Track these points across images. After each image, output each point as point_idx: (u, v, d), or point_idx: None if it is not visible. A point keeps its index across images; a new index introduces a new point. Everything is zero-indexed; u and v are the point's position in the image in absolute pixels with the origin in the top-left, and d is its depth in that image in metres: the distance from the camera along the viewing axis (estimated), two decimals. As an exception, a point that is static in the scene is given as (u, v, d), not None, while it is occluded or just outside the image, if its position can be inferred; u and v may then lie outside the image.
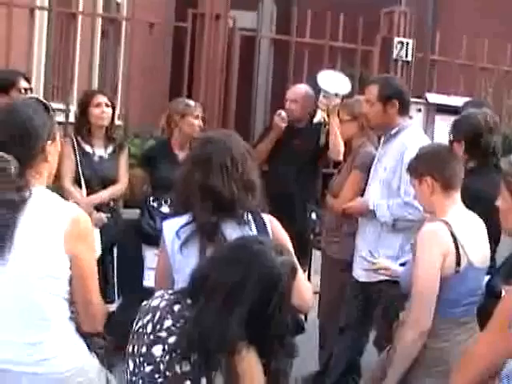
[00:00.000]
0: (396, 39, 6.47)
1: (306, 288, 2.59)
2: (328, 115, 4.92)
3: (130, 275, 4.60)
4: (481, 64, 6.91)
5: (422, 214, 3.71)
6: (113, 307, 4.53)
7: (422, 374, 2.86)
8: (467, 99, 6.76)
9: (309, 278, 5.65)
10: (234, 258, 2.07)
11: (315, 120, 5.08)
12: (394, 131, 4.03)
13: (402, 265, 3.45)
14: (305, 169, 5.04)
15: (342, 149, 4.88)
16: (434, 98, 6.65)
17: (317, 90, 5.09)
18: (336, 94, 4.84)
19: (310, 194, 5.12)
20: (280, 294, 2.03)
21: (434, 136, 6.45)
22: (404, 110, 4.07)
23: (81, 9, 6.52)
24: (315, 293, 4.87)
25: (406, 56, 6.50)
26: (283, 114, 5.01)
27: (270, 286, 2.01)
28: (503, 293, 2.71)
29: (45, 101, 2.53)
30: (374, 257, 3.77)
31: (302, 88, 5.26)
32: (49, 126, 2.41)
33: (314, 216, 4.96)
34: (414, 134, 4.05)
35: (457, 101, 6.72)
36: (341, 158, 4.94)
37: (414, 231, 3.71)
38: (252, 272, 2.02)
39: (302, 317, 3.03)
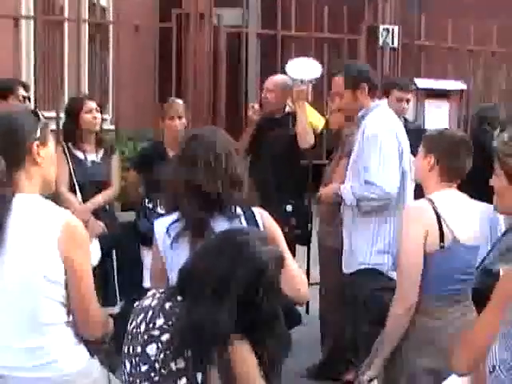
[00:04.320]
0: (381, 26, 6.48)
1: (298, 279, 2.60)
2: (293, 102, 4.90)
3: (130, 277, 4.63)
4: (468, 46, 6.92)
5: (385, 192, 3.65)
6: (114, 310, 4.56)
7: (414, 353, 2.89)
8: (457, 82, 6.82)
9: (308, 270, 5.67)
10: (219, 250, 2.10)
11: (287, 109, 5.08)
12: (360, 113, 3.89)
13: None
14: (280, 159, 4.90)
15: (309, 136, 4.84)
16: (422, 82, 6.66)
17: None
18: (301, 81, 4.83)
19: (286, 185, 4.96)
20: (266, 282, 2.05)
21: (425, 121, 6.48)
22: (373, 93, 3.95)
23: (66, 15, 6.52)
24: (316, 284, 4.90)
25: (393, 43, 6.51)
26: (256, 106, 4.97)
27: (256, 275, 2.04)
28: (501, 273, 2.73)
29: (35, 110, 2.54)
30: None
31: (278, 78, 5.20)
32: (36, 127, 2.38)
33: (289, 208, 4.86)
34: (379, 114, 3.88)
35: (446, 84, 6.76)
36: (307, 146, 4.90)
37: (387, 214, 3.70)
38: (237, 262, 2.04)
39: (302, 308, 3.04)
